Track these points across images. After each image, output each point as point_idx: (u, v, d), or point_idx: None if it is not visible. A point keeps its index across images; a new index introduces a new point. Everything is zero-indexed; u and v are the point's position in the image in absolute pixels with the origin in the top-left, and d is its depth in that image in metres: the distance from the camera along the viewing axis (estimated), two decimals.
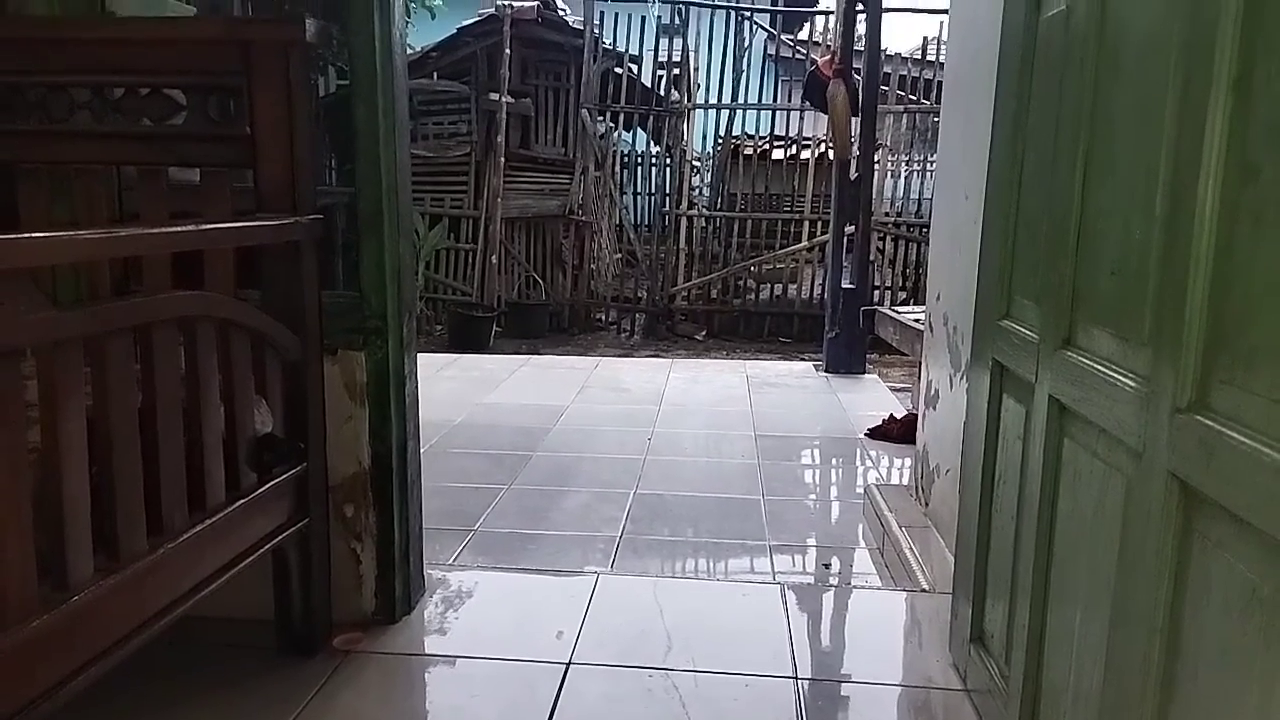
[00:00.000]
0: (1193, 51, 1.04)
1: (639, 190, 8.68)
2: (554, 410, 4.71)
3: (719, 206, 8.44)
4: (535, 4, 7.97)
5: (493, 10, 7.83)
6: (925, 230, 7.57)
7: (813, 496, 3.71)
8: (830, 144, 6.11)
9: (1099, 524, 1.30)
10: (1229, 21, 0.97)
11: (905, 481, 3.53)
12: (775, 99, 8.61)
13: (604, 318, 8.48)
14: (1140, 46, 1.23)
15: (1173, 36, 1.10)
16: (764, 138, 8.43)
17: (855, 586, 2.75)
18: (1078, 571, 1.38)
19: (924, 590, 2.45)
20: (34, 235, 1.17)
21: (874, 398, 5.11)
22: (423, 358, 2.35)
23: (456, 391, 5.07)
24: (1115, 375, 1.24)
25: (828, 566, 2.93)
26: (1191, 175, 1.03)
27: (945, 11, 4.07)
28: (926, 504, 2.91)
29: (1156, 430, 1.10)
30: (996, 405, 1.77)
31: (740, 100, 8.31)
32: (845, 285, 5.76)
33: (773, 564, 2.89)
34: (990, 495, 1.80)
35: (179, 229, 1.49)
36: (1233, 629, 0.96)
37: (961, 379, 2.52)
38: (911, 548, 2.69)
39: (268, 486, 1.76)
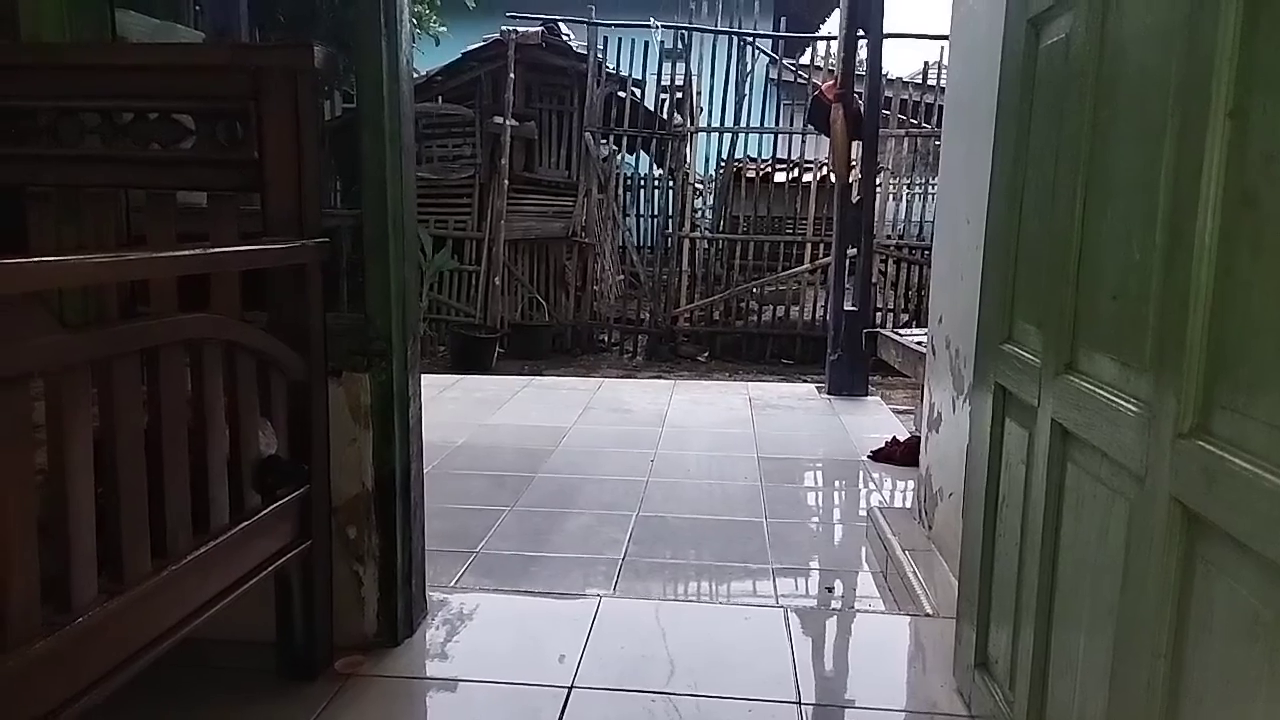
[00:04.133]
0: (1190, 81, 1.06)
1: (642, 212, 8.72)
2: (556, 431, 4.71)
3: (721, 229, 8.48)
4: (539, 29, 8.05)
5: (497, 35, 7.91)
6: (927, 253, 7.59)
7: (815, 519, 3.70)
8: (832, 167, 6.15)
9: (1102, 548, 1.30)
10: (1225, 53, 0.98)
11: (908, 504, 3.52)
12: (777, 122, 8.66)
13: (607, 339, 8.49)
14: (1138, 76, 1.24)
15: (1170, 67, 1.12)
16: (766, 161, 8.48)
17: (859, 610, 2.74)
18: (1081, 596, 1.38)
19: (928, 614, 2.44)
20: (44, 260, 1.18)
21: (877, 420, 5.11)
22: (426, 378, 2.35)
23: (459, 412, 5.07)
24: (1117, 400, 1.24)
25: (830, 590, 2.92)
26: (1190, 203, 1.04)
27: (946, 37, 4.11)
28: (930, 527, 2.90)
29: (1158, 455, 1.11)
30: (999, 429, 1.77)
31: (742, 124, 8.36)
32: (848, 308, 5.77)
33: (775, 587, 2.88)
34: (993, 519, 1.80)
35: (187, 253, 1.50)
36: (1237, 654, 0.96)
37: (964, 402, 2.52)
38: (915, 571, 2.68)
39: (271, 508, 1.77)
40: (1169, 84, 1.12)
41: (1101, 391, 1.30)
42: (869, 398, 5.74)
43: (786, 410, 5.39)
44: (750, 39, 8.39)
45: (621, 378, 6.94)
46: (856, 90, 5.76)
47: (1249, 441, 0.94)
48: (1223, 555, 0.99)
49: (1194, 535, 1.05)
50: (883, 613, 2.67)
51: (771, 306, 8.33)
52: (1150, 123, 1.18)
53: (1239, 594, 0.96)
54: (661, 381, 6.66)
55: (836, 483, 4.15)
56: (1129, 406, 1.20)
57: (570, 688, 2.01)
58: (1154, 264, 1.15)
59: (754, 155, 8.54)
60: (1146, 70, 1.22)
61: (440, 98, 8.12)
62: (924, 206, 8.24)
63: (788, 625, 2.36)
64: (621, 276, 8.64)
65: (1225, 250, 1.00)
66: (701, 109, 8.43)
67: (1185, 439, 1.05)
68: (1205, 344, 1.03)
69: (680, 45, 8.29)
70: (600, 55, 8.11)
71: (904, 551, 2.82)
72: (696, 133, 8.43)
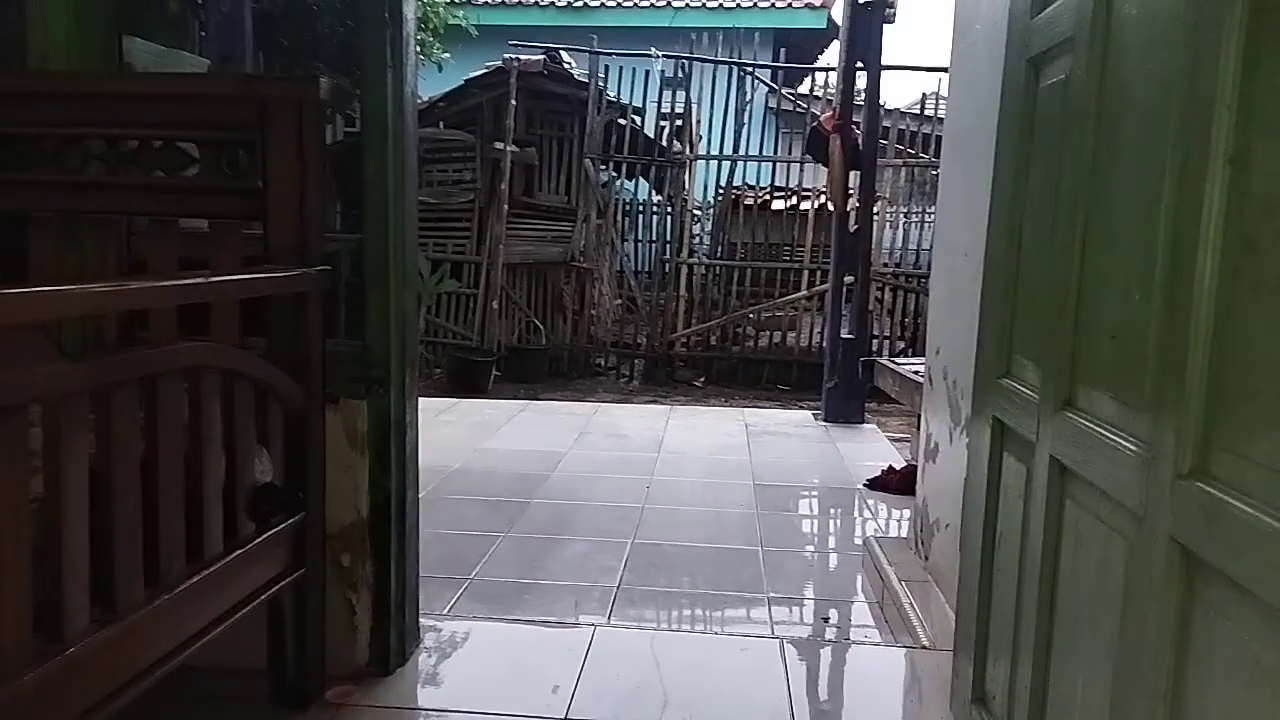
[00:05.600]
0: (1190, 127, 1.07)
1: (640, 238, 8.75)
2: (552, 456, 4.70)
3: (719, 255, 8.50)
4: (541, 57, 8.11)
5: (500, 63, 7.97)
6: (923, 281, 7.62)
7: (811, 547, 3.68)
8: (830, 196, 6.20)
9: (1101, 586, 1.29)
10: (1225, 100, 0.99)
11: (904, 534, 3.51)
12: (776, 151, 8.71)
13: (603, 363, 8.49)
14: (1138, 119, 1.26)
15: (1170, 111, 1.13)
16: (764, 188, 8.53)
17: (855, 642, 2.72)
18: (1080, 633, 1.37)
19: (924, 647, 2.43)
20: (45, 290, 1.18)
21: (873, 448, 5.10)
22: (422, 401, 2.35)
23: (455, 436, 5.06)
24: (1116, 438, 1.24)
25: (827, 620, 2.90)
26: (1190, 245, 1.05)
27: (944, 70, 4.15)
28: (926, 558, 2.89)
29: (1157, 495, 1.10)
30: (997, 463, 1.77)
31: (741, 152, 8.41)
32: (844, 335, 5.79)
33: (771, 616, 2.86)
34: (991, 554, 1.79)
35: (188, 282, 1.51)
36: (1238, 697, 0.96)
37: (962, 433, 2.52)
38: (911, 603, 2.67)
39: (265, 536, 1.76)
40: (1169, 128, 1.13)
41: (1100, 429, 1.30)
42: (865, 425, 5.73)
43: (782, 437, 5.39)
44: (750, 69, 8.46)
45: (617, 402, 6.93)
46: (855, 120, 5.81)
47: (1249, 484, 0.94)
48: (1223, 598, 0.98)
49: (1193, 577, 1.05)
50: (879, 644, 2.65)
51: (768, 332, 8.34)
52: (1150, 165, 1.19)
53: (1240, 637, 0.95)
54: (657, 407, 6.65)
55: (832, 511, 4.14)
56: (1128, 445, 1.20)
57: (565, 719, 2.00)
58: (1153, 304, 1.15)
59: (752, 183, 8.58)
60: (1146, 114, 1.23)
61: (442, 123, 8.17)
62: (920, 235, 8.28)
63: (784, 656, 2.35)
64: (619, 301, 8.65)
65: (1225, 293, 1.00)
66: (701, 137, 8.48)
67: (1184, 480, 1.05)
68: (1204, 385, 1.03)
69: (680, 74, 8.35)
70: (601, 83, 8.17)
71: (900, 582, 2.80)
72: (695, 160, 8.48)
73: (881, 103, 6.12)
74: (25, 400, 1.15)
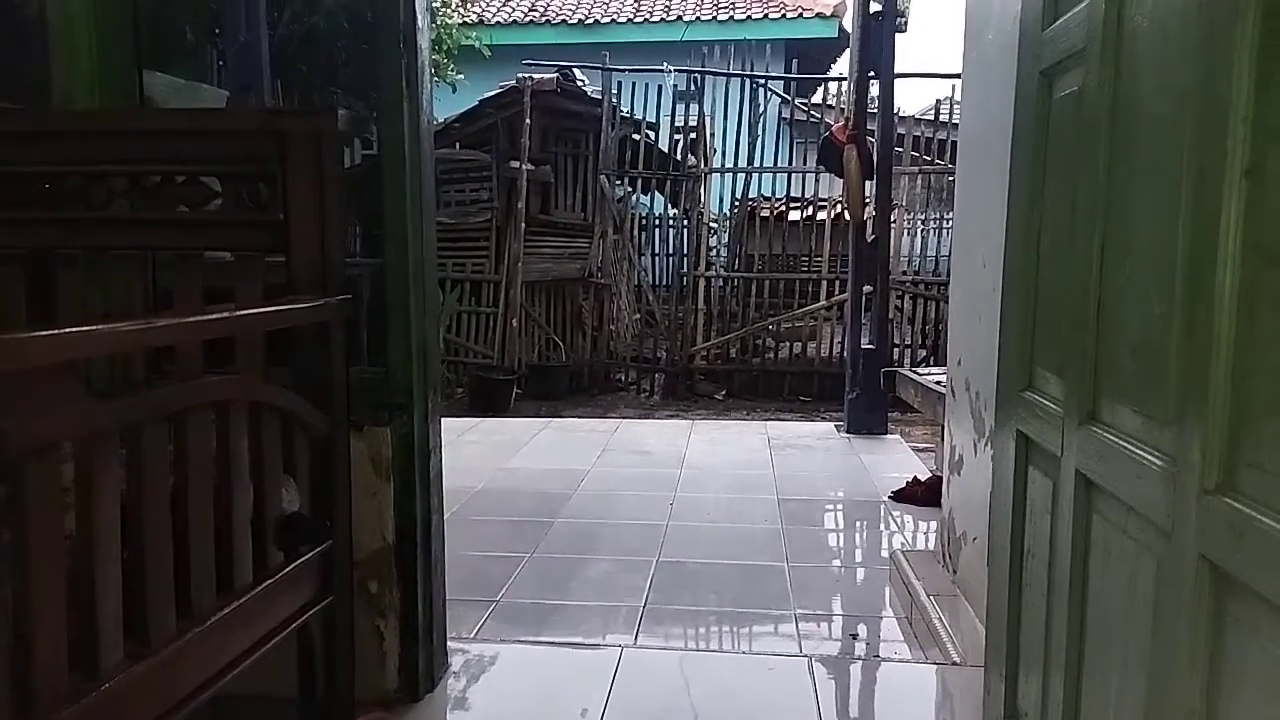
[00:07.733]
0: (1205, 139, 1.06)
1: (657, 252, 8.78)
2: (575, 474, 4.70)
3: (736, 267, 8.51)
4: (555, 75, 8.18)
5: (514, 82, 8.04)
6: (943, 288, 7.58)
7: (837, 562, 3.66)
8: (846, 205, 6.20)
9: (1131, 603, 1.28)
10: (1240, 113, 0.98)
11: (931, 546, 3.48)
12: (790, 162, 8.73)
13: (624, 378, 8.50)
14: (1153, 131, 1.25)
15: (1185, 124, 1.12)
16: (780, 199, 8.53)
17: (884, 659, 2.70)
18: (1111, 650, 1.36)
19: (954, 663, 2.41)
20: (75, 330, 1.20)
21: (896, 459, 5.07)
22: (444, 422, 2.36)
23: (478, 456, 5.08)
24: (1141, 453, 1.23)
25: (855, 636, 2.88)
26: (1209, 258, 1.04)
27: (956, 76, 4.15)
28: (954, 571, 2.87)
29: (1184, 510, 1.09)
30: (1022, 478, 1.76)
31: (756, 164, 8.43)
32: (865, 345, 5.76)
33: (799, 633, 2.85)
34: (1020, 569, 1.78)
35: (214, 318, 1.53)
36: (1272, 714, 0.94)
37: (986, 445, 2.50)
38: (941, 617, 2.64)
39: (294, 565, 1.77)
40: (1184, 140, 1.12)
41: (1124, 443, 1.29)
42: (888, 436, 5.70)
43: (805, 450, 5.37)
44: (762, 80, 8.48)
45: (639, 417, 6.93)
46: (869, 128, 5.80)
47: (1277, 500, 0.93)
48: (1255, 615, 0.97)
49: (1224, 593, 1.03)
50: (909, 661, 2.63)
51: (788, 343, 8.32)
52: (1166, 177, 1.18)
53: (1274, 655, 0.94)
54: (679, 421, 6.65)
55: (858, 524, 4.11)
56: (1153, 460, 1.19)
57: None
58: (1174, 318, 1.14)
59: (768, 194, 8.59)
60: (1161, 126, 1.22)
61: (458, 144, 8.25)
62: (939, 242, 8.24)
63: (812, 675, 2.33)
64: (638, 316, 8.68)
65: (1246, 306, 0.99)
66: (715, 150, 8.51)
67: (1211, 495, 1.04)
68: (1228, 399, 1.02)
69: (693, 88, 8.39)
70: (614, 99, 8.22)
71: (929, 596, 2.78)
72: (710, 173, 8.50)
73: (896, 110, 6.11)
74: (57, 439, 1.17)
